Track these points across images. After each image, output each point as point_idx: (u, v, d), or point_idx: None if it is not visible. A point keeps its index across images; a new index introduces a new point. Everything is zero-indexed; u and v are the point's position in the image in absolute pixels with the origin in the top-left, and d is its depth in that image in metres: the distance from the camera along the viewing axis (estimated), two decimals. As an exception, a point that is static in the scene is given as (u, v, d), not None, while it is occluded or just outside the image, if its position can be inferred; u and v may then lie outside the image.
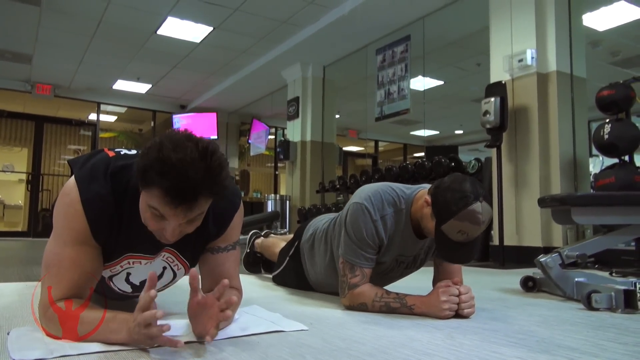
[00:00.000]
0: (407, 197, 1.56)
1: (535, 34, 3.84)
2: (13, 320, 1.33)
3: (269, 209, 6.82)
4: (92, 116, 9.57)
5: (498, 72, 4.07)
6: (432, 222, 1.42)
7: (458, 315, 1.44)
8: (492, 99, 3.70)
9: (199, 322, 1.03)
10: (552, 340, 1.19)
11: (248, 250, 2.68)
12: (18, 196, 11.65)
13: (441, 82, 7.63)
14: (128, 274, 1.22)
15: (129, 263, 1.19)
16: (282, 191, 9.38)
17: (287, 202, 6.86)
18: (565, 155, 3.78)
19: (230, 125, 10.09)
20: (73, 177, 1.12)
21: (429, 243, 1.64)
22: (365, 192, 1.58)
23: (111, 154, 1.19)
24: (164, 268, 1.26)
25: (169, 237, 1.03)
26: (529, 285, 2.14)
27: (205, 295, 1.02)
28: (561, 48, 3.84)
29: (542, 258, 1.93)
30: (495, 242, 3.81)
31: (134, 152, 1.22)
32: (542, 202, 2.25)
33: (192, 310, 1.04)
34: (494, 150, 3.85)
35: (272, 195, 7.11)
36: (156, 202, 0.97)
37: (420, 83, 7.01)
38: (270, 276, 2.32)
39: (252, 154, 9.27)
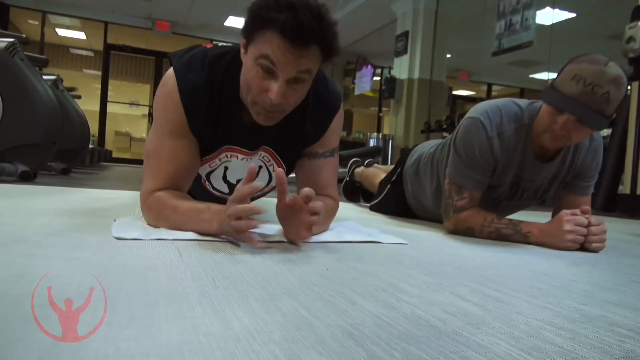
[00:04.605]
0: (532, 109, 1.35)
1: None
2: (123, 215, 1.39)
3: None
4: (206, 54, 9.98)
5: (650, -8, 3.43)
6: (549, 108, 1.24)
7: (583, 249, 1.25)
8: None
9: (291, 226, 0.98)
10: None
11: (347, 179, 2.62)
12: (142, 129, 12.77)
13: (573, 15, 6.72)
14: (225, 169, 1.21)
15: (226, 156, 1.18)
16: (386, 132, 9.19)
17: (390, 141, 6.68)
18: None
19: (335, 64, 9.95)
20: (171, 68, 1.12)
21: (555, 171, 1.42)
22: (482, 106, 1.40)
23: (209, 45, 1.18)
24: (260, 167, 1.23)
25: (274, 97, 0.95)
26: (671, 232, 1.83)
27: (293, 198, 0.95)
28: None
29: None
30: (627, 190, 3.35)
31: (230, 44, 1.19)
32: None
33: (282, 213, 0.99)
34: (636, 84, 3.31)
35: (375, 133, 6.96)
36: (269, 46, 0.92)
37: (547, 16, 6.25)
38: (368, 205, 2.24)
39: (356, 93, 9.12)
